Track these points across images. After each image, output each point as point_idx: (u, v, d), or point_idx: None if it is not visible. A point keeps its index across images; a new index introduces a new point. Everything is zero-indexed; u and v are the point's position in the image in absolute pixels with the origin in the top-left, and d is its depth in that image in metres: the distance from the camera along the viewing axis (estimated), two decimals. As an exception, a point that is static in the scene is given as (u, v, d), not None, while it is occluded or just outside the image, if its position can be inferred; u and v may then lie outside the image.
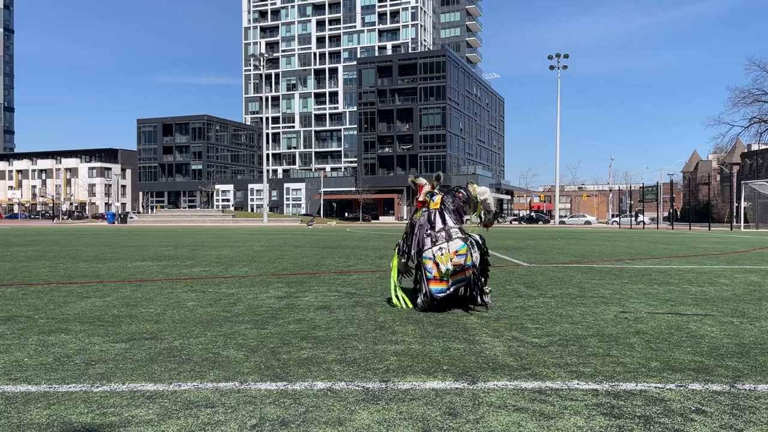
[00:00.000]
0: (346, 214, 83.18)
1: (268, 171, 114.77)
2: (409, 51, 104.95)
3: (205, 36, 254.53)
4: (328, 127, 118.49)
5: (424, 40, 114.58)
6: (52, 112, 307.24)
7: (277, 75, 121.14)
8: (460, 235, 5.56)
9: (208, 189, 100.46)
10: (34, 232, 32.80)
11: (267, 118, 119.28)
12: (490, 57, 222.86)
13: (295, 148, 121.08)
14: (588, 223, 67.61)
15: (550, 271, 9.67)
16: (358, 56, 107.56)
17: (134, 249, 15.68)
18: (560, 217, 71.47)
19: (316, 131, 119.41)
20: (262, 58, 69.84)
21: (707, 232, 33.99)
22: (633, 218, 52.31)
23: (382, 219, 79.31)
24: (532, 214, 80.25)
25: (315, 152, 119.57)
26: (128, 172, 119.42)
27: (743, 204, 43.96)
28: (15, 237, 24.27)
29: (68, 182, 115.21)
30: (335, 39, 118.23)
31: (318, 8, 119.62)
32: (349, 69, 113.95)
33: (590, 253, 14.47)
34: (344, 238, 22.91)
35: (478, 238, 5.64)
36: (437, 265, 5.36)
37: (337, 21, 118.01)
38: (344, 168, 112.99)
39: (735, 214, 46.76)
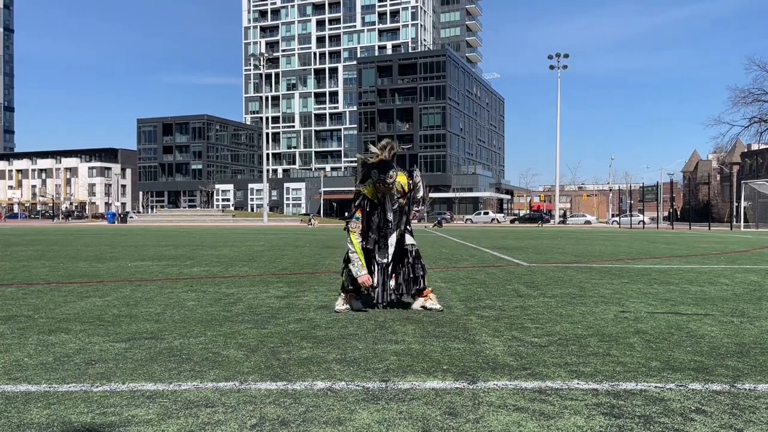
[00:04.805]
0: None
1: (268, 171, 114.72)
2: (409, 51, 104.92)
3: (205, 36, 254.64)
4: (328, 127, 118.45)
5: (424, 39, 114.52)
6: (52, 112, 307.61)
7: (277, 75, 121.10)
8: None
9: (208, 189, 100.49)
10: (34, 231, 32.80)
11: (267, 118, 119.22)
12: (490, 57, 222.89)
13: (295, 147, 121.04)
14: (588, 222, 67.63)
15: (550, 270, 9.67)
16: (358, 56, 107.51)
17: (134, 249, 15.68)
18: (560, 216, 71.48)
19: (316, 131, 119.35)
20: (262, 58, 69.82)
21: (707, 232, 33.99)
22: (631, 218, 52.33)
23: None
24: (526, 212, 79.80)
25: (315, 152, 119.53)
26: (128, 171, 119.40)
27: (743, 204, 43.93)
28: (15, 237, 24.28)
29: (68, 182, 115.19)
30: (335, 39, 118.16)
31: (318, 8, 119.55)
32: (349, 69, 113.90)
33: (590, 252, 14.47)
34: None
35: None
36: None
37: (337, 21, 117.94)
38: (344, 168, 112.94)
39: (735, 213, 46.78)
